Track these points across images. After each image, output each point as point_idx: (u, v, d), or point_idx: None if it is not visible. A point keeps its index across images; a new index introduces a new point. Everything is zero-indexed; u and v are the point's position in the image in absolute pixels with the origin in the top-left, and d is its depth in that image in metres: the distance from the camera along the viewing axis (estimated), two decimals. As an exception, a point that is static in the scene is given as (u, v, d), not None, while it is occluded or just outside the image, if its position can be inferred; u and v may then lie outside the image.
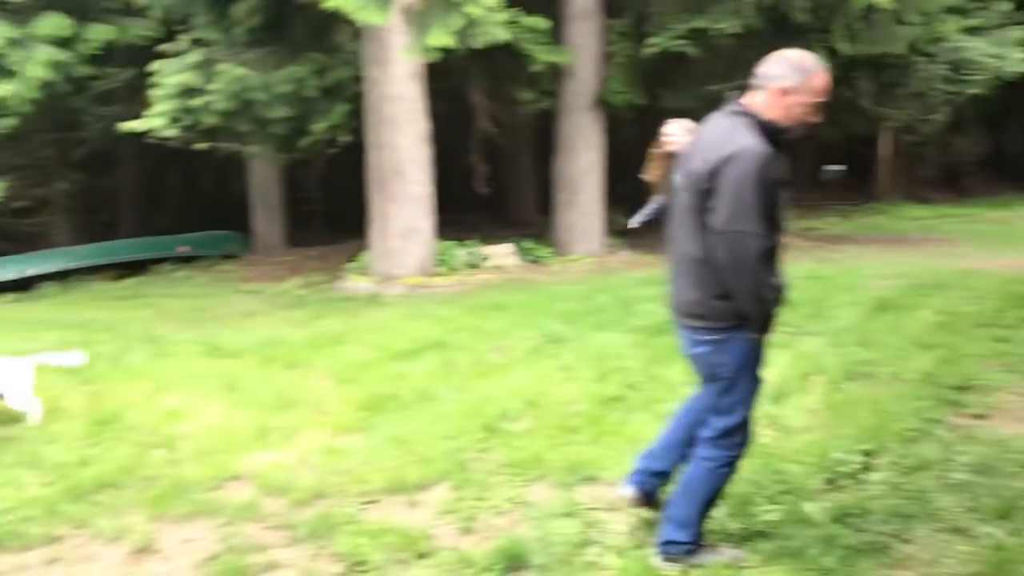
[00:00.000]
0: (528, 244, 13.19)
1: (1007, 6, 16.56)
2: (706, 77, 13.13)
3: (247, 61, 12.08)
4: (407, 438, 4.87)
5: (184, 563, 3.61)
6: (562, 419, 5.04)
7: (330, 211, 20.42)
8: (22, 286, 15.04)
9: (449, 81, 13.00)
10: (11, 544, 3.85)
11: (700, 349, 3.22)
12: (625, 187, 19.03)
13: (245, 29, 11.91)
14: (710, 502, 3.28)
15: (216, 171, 23.82)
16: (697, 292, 3.16)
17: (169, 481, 4.47)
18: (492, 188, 15.05)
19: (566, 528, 3.65)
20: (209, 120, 12.10)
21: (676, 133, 6.36)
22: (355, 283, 11.76)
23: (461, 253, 12.38)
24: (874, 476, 3.92)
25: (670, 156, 6.41)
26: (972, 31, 15.26)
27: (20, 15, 14.47)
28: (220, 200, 22.49)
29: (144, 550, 3.75)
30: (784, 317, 7.42)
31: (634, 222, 6.47)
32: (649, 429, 4.74)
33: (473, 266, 12.25)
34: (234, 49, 12.28)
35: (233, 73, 11.59)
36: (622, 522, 3.70)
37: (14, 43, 13.87)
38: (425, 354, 6.86)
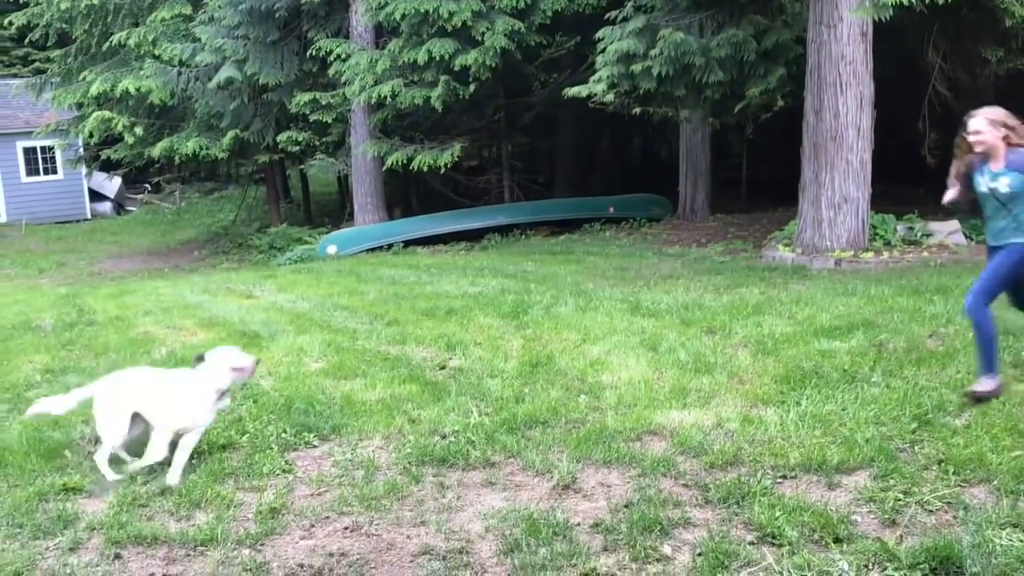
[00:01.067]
0: (980, 222, 11.80)
1: None
2: None
3: (688, 25, 12.18)
4: (828, 418, 4.66)
5: (602, 505, 3.81)
6: (1012, 421, 4.47)
7: (754, 178, 20.04)
8: (472, 237, 16.83)
9: (899, 40, 11.99)
10: (456, 461, 4.36)
11: None
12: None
13: (687, -7, 12.02)
14: None
15: (644, 136, 24.53)
16: None
17: (592, 426, 4.74)
18: (940, 158, 13.65)
19: (1011, 540, 3.25)
20: (647, 85, 12.41)
21: (979, 129, 4.92)
22: (780, 252, 11.43)
23: (899, 228, 11.45)
24: None
25: (973, 154, 4.99)
26: None
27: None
28: (646, 164, 23.15)
29: (567, 487, 4.02)
30: None
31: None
32: None
33: (911, 243, 11.28)
34: (675, 14, 12.45)
35: (673, 38, 11.74)
36: (1084, 546, 3.21)
37: (478, 15, 15.35)
38: (852, 333, 6.47)
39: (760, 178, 19.57)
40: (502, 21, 15.33)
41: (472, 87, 15.67)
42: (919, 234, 11.38)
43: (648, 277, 10.54)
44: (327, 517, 3.85)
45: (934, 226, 11.53)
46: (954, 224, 11.55)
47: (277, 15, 17.78)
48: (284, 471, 4.39)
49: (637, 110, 14.20)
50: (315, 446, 4.75)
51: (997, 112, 4.99)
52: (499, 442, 4.56)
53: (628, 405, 5.09)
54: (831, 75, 10.86)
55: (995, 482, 3.78)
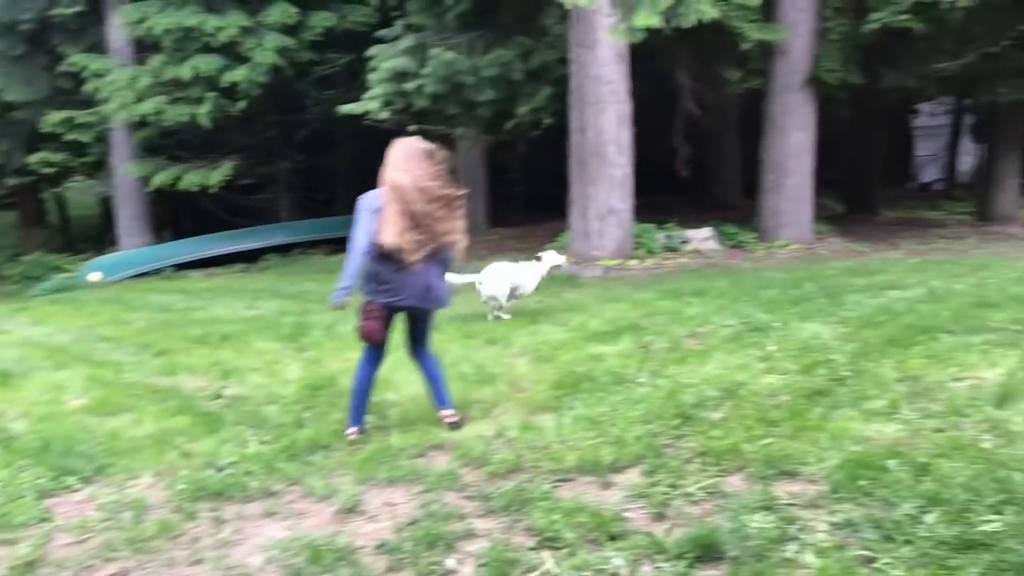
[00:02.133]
0: (730, 228, 12.85)
1: None
2: (931, 54, 12.26)
3: (457, 45, 12.43)
4: (601, 420, 4.87)
5: (386, 525, 3.79)
6: (761, 411, 4.88)
7: (530, 192, 20.71)
8: (250, 258, 16.29)
9: (653, 62, 12.84)
10: (234, 494, 4.19)
11: None
12: (838, 171, 18.16)
13: (456, 14, 12.27)
14: None
15: (424, 152, 24.62)
16: None
17: (376, 446, 4.71)
18: (694, 171, 14.73)
19: (763, 522, 3.53)
20: (420, 103, 12.57)
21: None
22: (553, 264, 11.89)
23: (659, 236, 12.24)
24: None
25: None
26: None
27: (252, 5, 15.57)
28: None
29: (351, 510, 3.97)
30: (1014, 313, 6.82)
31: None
32: (856, 426, 4.53)
33: (672, 249, 12.09)
34: (445, 34, 12.67)
35: (443, 57, 11.96)
36: (823, 520, 3.54)
37: (247, 31, 14.93)
38: (620, 337, 6.84)
39: (538, 192, 20.26)
40: (272, 37, 15.02)
41: (242, 104, 15.23)
42: (677, 241, 12.21)
43: (430, 293, 10.59)
44: (91, 566, 3.59)
45: (690, 233, 12.41)
46: (708, 231, 12.50)
47: (23, 27, 16.45)
48: (41, 520, 4.04)
49: (413, 127, 14.30)
50: (77, 490, 4.41)
51: (406, 145, 4.73)
52: (279, 470, 4.43)
53: (412, 422, 5.10)
54: (592, 94, 11.45)
55: (749, 469, 4.10)
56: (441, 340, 7.14)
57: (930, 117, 27.38)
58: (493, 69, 12.25)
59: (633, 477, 4.13)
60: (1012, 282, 8.52)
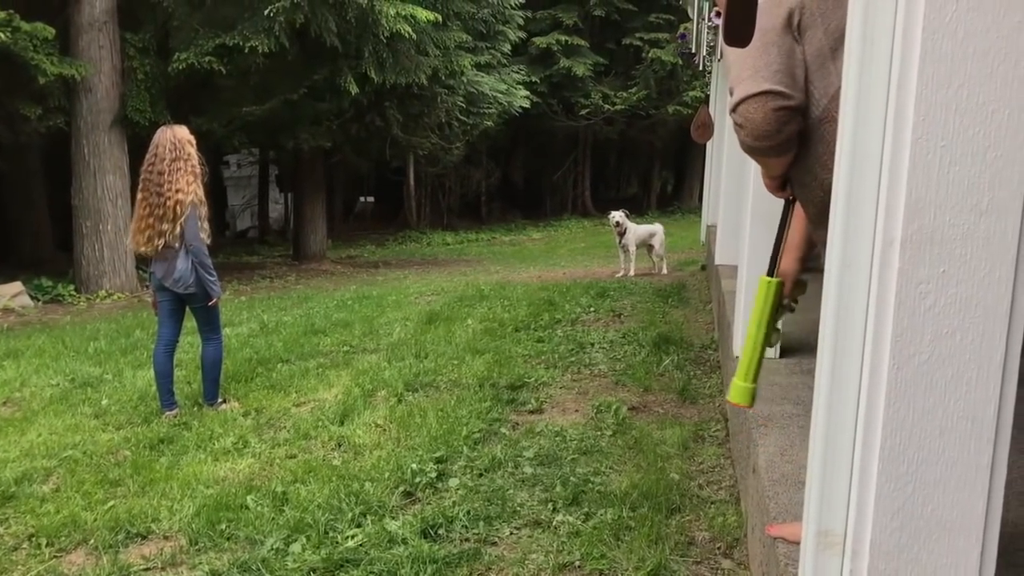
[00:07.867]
0: (45, 282, 11.55)
1: (508, 47, 18.45)
2: (238, 100, 12.68)
3: None
4: None
5: None
6: (102, 471, 4.30)
7: None
8: None
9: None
10: None
11: None
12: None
13: None
14: None
15: None
16: None
17: None
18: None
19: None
20: None
21: None
22: None
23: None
24: (451, 482, 3.84)
25: None
26: (482, 68, 16.68)
27: None
28: None
29: None
30: (341, 337, 7.28)
31: None
32: (207, 468, 4.24)
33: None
34: None
35: None
36: (185, 578, 3.18)
37: None
38: (-92, 420, 5.51)
39: None
40: None
41: None
42: (-19, 300, 10.57)
43: None
44: None
45: (-2, 290, 10.86)
46: (18, 286, 11.05)
47: None
48: None
49: None
50: None
51: None
52: None
53: None
54: None
55: (92, 541, 3.52)
56: None
57: (238, 168, 28.71)
58: None
59: (-66, 588, 3.25)
60: (334, 309, 9.13)
